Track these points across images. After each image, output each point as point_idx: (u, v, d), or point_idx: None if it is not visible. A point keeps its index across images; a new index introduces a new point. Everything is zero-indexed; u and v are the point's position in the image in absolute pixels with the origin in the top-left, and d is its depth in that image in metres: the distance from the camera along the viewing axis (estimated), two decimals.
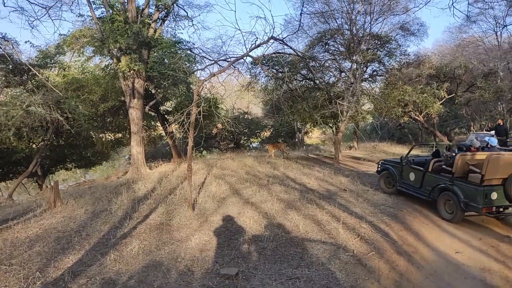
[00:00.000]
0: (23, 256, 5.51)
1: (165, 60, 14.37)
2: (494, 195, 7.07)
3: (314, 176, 11.81)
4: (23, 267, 5.10)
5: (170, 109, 20.49)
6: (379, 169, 10.58)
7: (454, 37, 31.00)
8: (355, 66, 16.17)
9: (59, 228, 6.87)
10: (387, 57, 18.50)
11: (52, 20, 10.80)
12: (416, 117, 21.33)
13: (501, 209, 7.13)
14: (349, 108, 14.06)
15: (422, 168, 8.77)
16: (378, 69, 19.43)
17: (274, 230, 6.55)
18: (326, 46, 17.48)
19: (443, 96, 19.45)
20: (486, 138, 9.07)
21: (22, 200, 12.04)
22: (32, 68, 9.88)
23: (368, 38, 16.48)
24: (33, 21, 10.29)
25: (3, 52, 12.03)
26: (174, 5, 14.36)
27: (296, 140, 29.44)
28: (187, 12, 15.67)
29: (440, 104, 19.43)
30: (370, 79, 19.71)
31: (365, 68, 18.24)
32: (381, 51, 18.15)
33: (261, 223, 7.00)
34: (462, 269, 5.50)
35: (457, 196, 7.39)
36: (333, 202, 8.45)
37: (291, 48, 8.37)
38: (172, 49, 14.20)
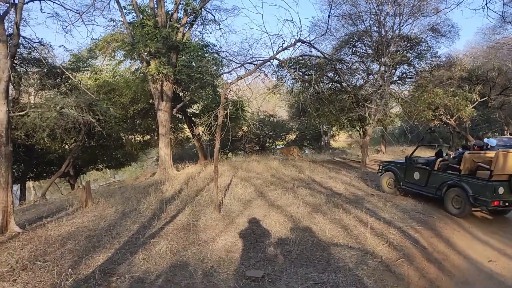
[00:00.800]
0: (56, 253, 5.70)
1: (193, 64, 14.61)
2: (501, 190, 7.58)
3: (341, 180, 11.67)
4: (56, 264, 5.28)
5: (197, 112, 20.80)
6: (380, 170, 11.03)
7: (487, 38, 29.78)
8: (383, 69, 15.87)
9: (90, 226, 7.08)
10: (417, 59, 18.07)
11: (85, 25, 11.23)
12: (447, 121, 20.67)
13: (507, 204, 7.63)
14: (377, 111, 13.81)
15: (427, 167, 9.21)
16: (407, 71, 19.01)
17: (300, 234, 6.51)
18: (354, 48, 17.26)
19: (475, 99, 18.76)
20: (486, 140, 9.49)
21: (55, 199, 12.54)
22: (66, 71, 10.26)
23: (397, 40, 16.16)
24: (67, 26, 10.70)
25: (39, 56, 12.60)
26: (202, 9, 14.59)
27: (322, 143, 29.19)
28: (214, 16, 15.90)
29: (473, 108, 18.75)
30: (399, 81, 19.30)
31: (394, 71, 17.87)
32: (410, 53, 17.74)
33: (286, 226, 6.97)
34: (495, 279, 5.28)
35: (466, 191, 7.91)
36: (360, 207, 8.31)
37: (318, 50, 8.31)
38: (199, 53, 14.43)
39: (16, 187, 16.38)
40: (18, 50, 11.39)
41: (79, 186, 17.10)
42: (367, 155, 15.89)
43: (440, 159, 9.12)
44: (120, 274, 4.99)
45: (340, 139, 40.28)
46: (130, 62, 16.81)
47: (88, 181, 9.46)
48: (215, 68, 15.46)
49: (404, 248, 6.06)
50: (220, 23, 16.20)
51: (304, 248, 5.90)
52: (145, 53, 13.01)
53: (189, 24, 14.72)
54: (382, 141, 23.66)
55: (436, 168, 9.02)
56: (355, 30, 17.00)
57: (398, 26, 16.42)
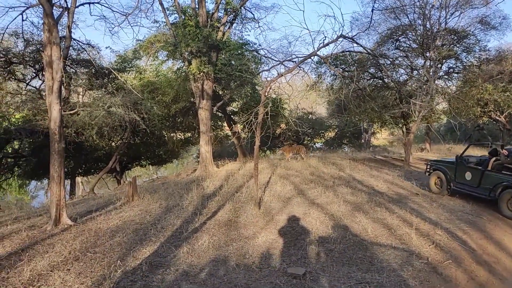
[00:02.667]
0: (105, 245, 6.00)
1: (232, 62, 14.78)
2: None
3: (383, 179, 11.37)
4: (105, 256, 5.56)
5: (236, 110, 21.03)
6: (428, 169, 10.45)
7: None
8: (429, 63, 15.23)
9: (136, 220, 7.39)
10: (465, 53, 17.13)
11: (131, 26, 11.74)
12: (497, 118, 19.53)
13: None
14: (422, 107, 13.29)
15: (480, 167, 8.70)
16: (454, 66, 18.08)
17: (341, 233, 6.43)
18: (397, 43, 16.68)
19: None
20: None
21: (103, 194, 13.18)
22: (113, 72, 10.74)
23: (443, 33, 15.42)
24: (113, 27, 11.19)
25: (88, 57, 13.26)
26: (242, 8, 14.71)
27: (362, 141, 28.53)
28: (253, 14, 15.96)
29: None
30: (445, 76, 18.42)
31: (440, 65, 17.09)
32: (458, 47, 16.85)
33: (327, 225, 6.90)
34: None
35: None
36: (404, 206, 8.06)
37: (361, 45, 8.14)
38: (239, 51, 14.56)
39: (67, 182, 17.34)
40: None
41: (124, 182, 17.86)
42: (411, 153, 15.34)
43: (495, 158, 8.57)
44: (165, 267, 5.18)
45: (381, 137, 39.17)
46: (172, 62, 17.28)
47: (134, 177, 9.88)
48: (254, 66, 15.55)
49: (451, 250, 5.82)
50: (259, 21, 16.27)
51: (346, 247, 5.83)
52: (187, 53, 13.33)
53: (229, 23, 14.90)
54: (427, 139, 22.71)
55: (489, 168, 8.47)
56: (398, 24, 16.42)
57: (444, 19, 15.65)
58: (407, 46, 16.93)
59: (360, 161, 15.07)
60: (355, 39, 7.65)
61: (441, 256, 5.56)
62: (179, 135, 21.92)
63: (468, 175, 8.93)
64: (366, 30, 11.07)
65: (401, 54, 16.72)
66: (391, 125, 20.28)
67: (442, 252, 5.70)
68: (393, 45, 16.82)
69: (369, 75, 16.64)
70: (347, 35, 7.42)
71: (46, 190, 24.53)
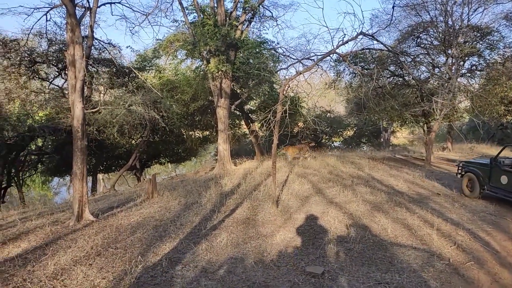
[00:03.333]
0: (126, 241, 6.12)
1: (250, 60, 14.82)
2: None
3: (403, 178, 11.19)
4: (126, 251, 5.68)
5: (254, 108, 21.06)
6: (459, 171, 9.86)
7: None
8: (451, 61, 14.88)
9: (156, 217, 7.51)
10: (488, 50, 16.67)
11: (151, 25, 12.05)
12: None
13: None
14: (444, 105, 13.00)
15: None
16: (477, 63, 17.61)
17: (360, 232, 6.37)
18: (418, 40, 16.36)
19: None
20: None
21: (123, 191, 13.42)
22: (134, 71, 10.92)
23: (466, 30, 15.04)
24: (133, 27, 11.42)
25: (110, 57, 13.52)
26: (260, 6, 14.71)
27: (381, 140, 28.13)
28: (272, 13, 15.95)
29: None
30: (468, 74, 17.96)
31: (462, 63, 16.68)
32: (481, 44, 16.41)
33: (346, 224, 6.85)
34: None
35: None
36: (425, 207, 7.92)
37: (381, 43, 8.01)
38: (257, 50, 14.58)
39: (89, 179, 17.74)
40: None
41: (144, 179, 18.16)
42: (432, 153, 15.04)
43: None
44: (185, 263, 5.25)
45: (401, 136, 38.54)
46: (191, 61, 17.44)
47: (154, 174, 10.03)
48: (272, 64, 15.54)
49: (473, 251, 5.68)
50: (277, 19, 16.25)
51: (365, 247, 5.77)
52: (205, 52, 13.43)
53: (247, 22, 14.94)
54: (449, 138, 22.21)
55: None
56: (419, 21, 16.10)
57: (467, 15, 15.27)
58: (428, 43, 16.59)
59: (379, 160, 14.88)
60: (375, 37, 7.55)
61: (463, 258, 5.45)
62: (197, 133, 22.13)
63: (504, 179, 8.26)
64: (386, 27, 10.88)
65: (422, 52, 16.40)
66: (412, 124, 19.93)
67: (464, 253, 5.58)
68: (414, 42, 16.51)
69: (389, 73, 16.38)
70: (367, 32, 7.33)
71: (68, 186, 25.21)
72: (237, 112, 19.78)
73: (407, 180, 10.97)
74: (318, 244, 5.93)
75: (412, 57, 14.59)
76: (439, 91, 13.07)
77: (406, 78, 15.73)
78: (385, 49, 9.19)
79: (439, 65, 15.83)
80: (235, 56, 14.07)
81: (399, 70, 15.39)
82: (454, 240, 6.04)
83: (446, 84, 13.05)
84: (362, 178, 11.08)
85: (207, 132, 22.28)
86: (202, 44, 12.64)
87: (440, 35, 15.55)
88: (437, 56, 16.58)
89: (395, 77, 16.50)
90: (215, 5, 13.83)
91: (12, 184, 16.23)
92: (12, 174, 16.04)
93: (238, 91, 17.60)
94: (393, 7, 8.66)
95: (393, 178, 11.18)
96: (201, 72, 16.41)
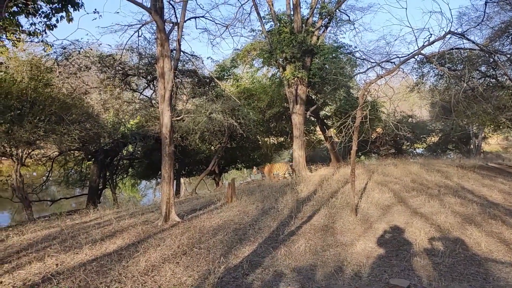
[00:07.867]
0: (209, 242, 6.41)
1: (326, 66, 14.66)
2: None
3: (497, 188, 10.14)
4: (209, 252, 5.95)
5: (329, 114, 20.75)
6: None
7: None
8: None
9: (236, 220, 7.77)
10: None
11: (231, 36, 12.62)
12: None
13: None
14: None
15: None
16: None
17: (450, 245, 5.92)
18: None
19: None
20: None
21: (204, 194, 14.09)
22: (216, 80, 11.47)
23: None
24: (214, 39, 12.06)
25: (193, 68, 14.38)
26: (337, 10, 14.53)
27: (471, 146, 25.79)
28: (349, 16, 15.63)
29: None
30: None
31: None
32: None
33: (433, 236, 6.42)
34: None
35: None
36: None
37: (473, 42, 7.40)
38: (333, 55, 14.39)
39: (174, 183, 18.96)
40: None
41: (222, 183, 18.89)
42: None
43: None
44: (264, 267, 5.35)
45: (493, 142, 34.95)
46: (267, 69, 17.80)
47: (233, 179, 10.41)
48: (349, 69, 15.22)
49: None
50: (354, 22, 15.89)
51: (455, 261, 5.35)
52: (281, 59, 13.62)
53: (323, 27, 14.85)
54: None
55: None
56: None
57: None
58: None
59: (469, 169, 13.64)
60: (465, 35, 7.01)
61: None
62: (273, 139, 22.43)
63: None
64: (478, 24, 9.98)
65: None
66: (507, 129, 18.00)
67: None
68: (508, 40, 14.94)
69: (480, 73, 14.99)
70: (455, 31, 6.84)
71: (154, 189, 27.21)
72: (312, 118, 19.66)
73: (503, 191, 9.91)
74: (403, 256, 5.64)
75: (508, 56, 13.22)
76: None
77: (500, 79, 14.26)
78: (477, 48, 8.45)
79: None
80: (311, 62, 14.04)
81: (492, 70, 13.99)
82: None
83: None
84: (451, 188, 10.26)
85: (282, 139, 22.47)
86: (278, 52, 12.85)
87: None
88: None
89: (486, 78, 15.05)
90: (292, 12, 13.99)
91: (107, 186, 17.96)
92: (107, 177, 17.77)
93: (313, 97, 17.51)
94: (485, 3, 7.93)
95: (486, 188, 10.19)
96: (277, 80, 16.66)
